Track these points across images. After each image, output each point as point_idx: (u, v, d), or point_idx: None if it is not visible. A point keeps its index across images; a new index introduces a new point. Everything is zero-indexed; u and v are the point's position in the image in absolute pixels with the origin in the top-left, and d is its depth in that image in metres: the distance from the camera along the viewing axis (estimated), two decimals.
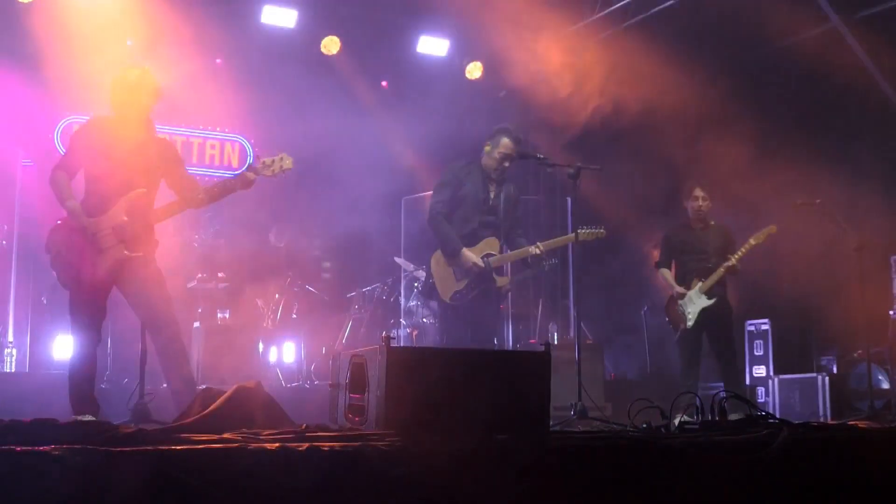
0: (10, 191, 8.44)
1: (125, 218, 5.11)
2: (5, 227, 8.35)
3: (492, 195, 6.55)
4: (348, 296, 9.68)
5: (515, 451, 3.32)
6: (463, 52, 9.91)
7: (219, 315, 8.22)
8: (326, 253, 10.81)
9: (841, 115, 8.65)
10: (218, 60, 9.34)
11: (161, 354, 5.31)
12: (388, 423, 3.60)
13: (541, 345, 4.41)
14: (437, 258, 6.53)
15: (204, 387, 4.57)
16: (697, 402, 4.35)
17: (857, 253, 6.71)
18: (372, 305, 9.27)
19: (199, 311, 8.13)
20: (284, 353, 8.76)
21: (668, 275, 7.36)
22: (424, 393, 3.69)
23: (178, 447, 2.85)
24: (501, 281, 6.55)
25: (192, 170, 7.73)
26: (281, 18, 9.03)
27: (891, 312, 7.63)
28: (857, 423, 5.42)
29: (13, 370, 7.80)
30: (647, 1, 8.79)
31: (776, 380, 8.45)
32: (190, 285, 8.15)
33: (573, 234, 6.31)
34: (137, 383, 5.27)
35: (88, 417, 4.88)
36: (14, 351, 7.92)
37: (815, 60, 8.01)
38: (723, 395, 4.37)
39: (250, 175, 5.30)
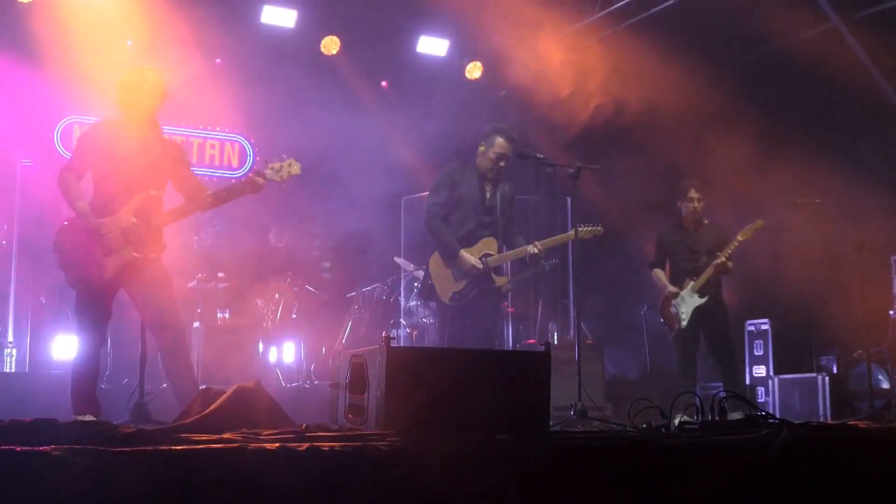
0: (10, 191, 8.44)
1: (134, 220, 5.13)
2: (5, 226, 8.35)
3: (488, 195, 6.54)
4: (348, 296, 9.68)
5: (515, 451, 3.31)
6: (463, 52, 9.91)
7: (219, 315, 8.22)
8: (326, 253, 10.82)
9: (841, 115, 8.65)
10: (218, 60, 9.34)
11: (166, 355, 5.33)
12: (387, 423, 3.60)
13: (541, 345, 4.42)
14: (435, 259, 6.52)
15: (204, 387, 4.56)
16: (697, 402, 4.35)
17: (856, 253, 6.72)
18: (372, 305, 9.28)
19: (199, 311, 8.13)
20: (284, 353, 8.76)
21: (661, 275, 7.40)
22: (424, 393, 3.69)
23: (178, 447, 2.85)
24: (500, 281, 6.54)
25: (192, 169, 7.73)
26: (281, 18, 9.03)
27: (891, 312, 7.64)
28: (857, 422, 5.43)
29: (13, 370, 7.80)
30: (648, 1, 8.80)
31: (776, 380, 8.45)
32: (190, 285, 8.15)
33: (572, 232, 6.33)
34: (137, 383, 5.27)
35: (89, 417, 4.89)
36: (14, 351, 7.92)
37: (814, 60, 8.01)
38: (722, 395, 4.37)
39: (259, 180, 5.30)
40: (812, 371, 8.19)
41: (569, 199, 9.77)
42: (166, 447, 2.83)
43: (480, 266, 6.35)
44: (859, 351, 7.86)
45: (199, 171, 9.57)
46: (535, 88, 8.74)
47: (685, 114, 8.33)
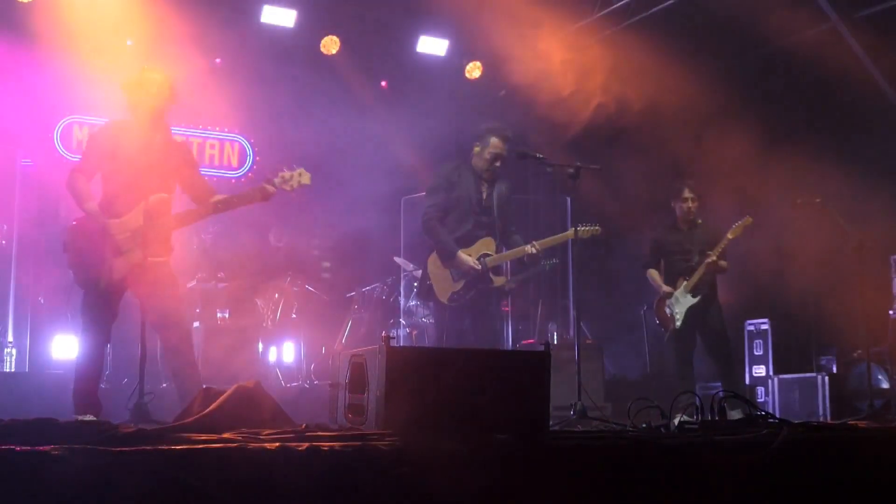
0: (9, 191, 8.44)
1: (144, 222, 5.13)
2: (4, 226, 8.35)
3: (484, 195, 6.53)
4: (348, 295, 9.67)
5: (515, 450, 3.32)
6: (462, 52, 9.91)
7: (218, 315, 8.22)
8: (326, 253, 10.81)
9: (840, 114, 8.64)
10: (217, 60, 9.34)
11: (171, 354, 5.35)
12: (387, 422, 3.60)
13: (540, 344, 4.42)
14: (433, 260, 6.52)
15: (204, 387, 4.57)
16: (697, 402, 4.36)
17: (856, 253, 6.71)
18: (372, 305, 9.27)
19: (199, 311, 8.13)
20: (284, 353, 8.76)
21: (655, 275, 7.42)
22: (424, 393, 3.69)
23: (178, 447, 2.85)
24: (498, 280, 6.54)
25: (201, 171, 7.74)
26: (280, 18, 9.02)
27: (891, 312, 7.63)
28: (857, 422, 5.43)
29: (13, 370, 7.80)
30: (647, 0, 8.80)
31: (776, 379, 8.44)
32: (190, 285, 8.14)
33: (570, 232, 6.33)
34: (137, 383, 5.27)
35: (90, 417, 4.90)
36: (14, 351, 7.92)
37: (814, 59, 8.01)
38: (722, 394, 4.37)
39: (270, 188, 5.32)
40: (812, 371, 8.18)
41: (568, 199, 9.77)
42: (166, 447, 2.83)
43: (479, 267, 6.35)
44: (859, 351, 7.85)
45: None
46: (534, 88, 8.74)
47: (685, 113, 8.34)
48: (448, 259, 6.40)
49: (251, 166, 10.25)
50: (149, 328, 5.40)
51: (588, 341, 8.54)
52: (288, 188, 5.33)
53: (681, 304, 7.15)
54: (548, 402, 3.98)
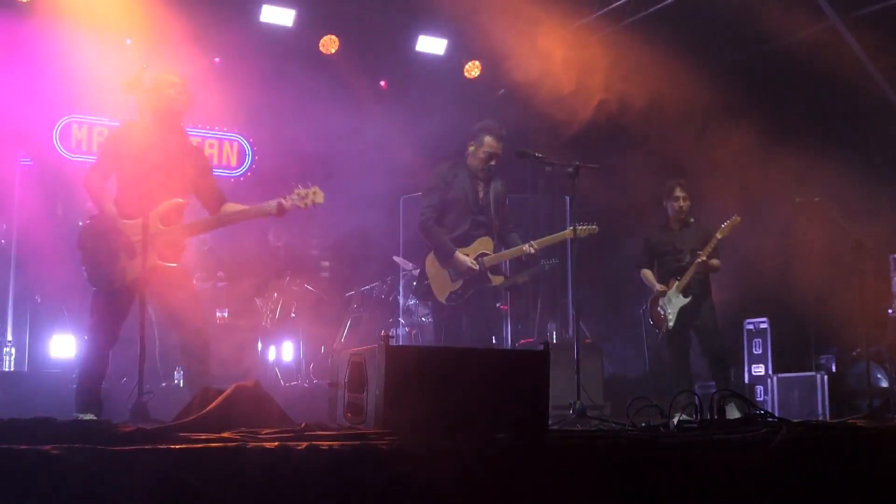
0: (9, 190, 8.44)
1: (161, 226, 5.14)
2: (4, 226, 8.35)
3: (481, 194, 6.53)
4: (347, 295, 9.67)
5: (514, 449, 3.32)
6: (461, 51, 9.91)
7: (218, 314, 8.22)
8: (325, 252, 10.81)
9: (839, 113, 8.64)
10: (217, 59, 9.34)
11: (182, 353, 5.38)
12: (386, 422, 3.60)
13: (540, 344, 4.42)
14: (431, 259, 6.52)
15: (203, 386, 4.57)
16: (696, 401, 4.36)
17: (856, 252, 6.71)
18: (371, 304, 9.28)
19: None
20: (283, 352, 8.76)
21: (649, 275, 7.41)
22: (423, 392, 3.69)
23: (177, 446, 2.85)
24: (496, 280, 6.53)
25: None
26: (279, 17, 9.02)
27: (890, 311, 7.63)
28: (856, 421, 5.43)
29: (12, 369, 7.80)
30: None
31: (775, 378, 8.45)
32: None
33: (567, 231, 6.33)
34: (137, 382, 5.27)
35: (90, 416, 4.90)
36: (13, 350, 7.92)
37: (812, 58, 8.01)
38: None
39: (286, 204, 5.32)
40: (811, 370, 8.19)
41: (567, 199, 9.77)
42: (165, 446, 2.83)
43: (476, 267, 6.35)
44: (858, 349, 7.86)
45: None
46: (534, 87, 8.73)
47: (684, 112, 8.34)
48: (446, 259, 6.40)
49: (250, 165, 10.26)
50: (158, 327, 5.41)
51: (587, 340, 8.55)
52: (302, 205, 5.35)
53: (673, 304, 7.15)
54: (547, 402, 3.98)
